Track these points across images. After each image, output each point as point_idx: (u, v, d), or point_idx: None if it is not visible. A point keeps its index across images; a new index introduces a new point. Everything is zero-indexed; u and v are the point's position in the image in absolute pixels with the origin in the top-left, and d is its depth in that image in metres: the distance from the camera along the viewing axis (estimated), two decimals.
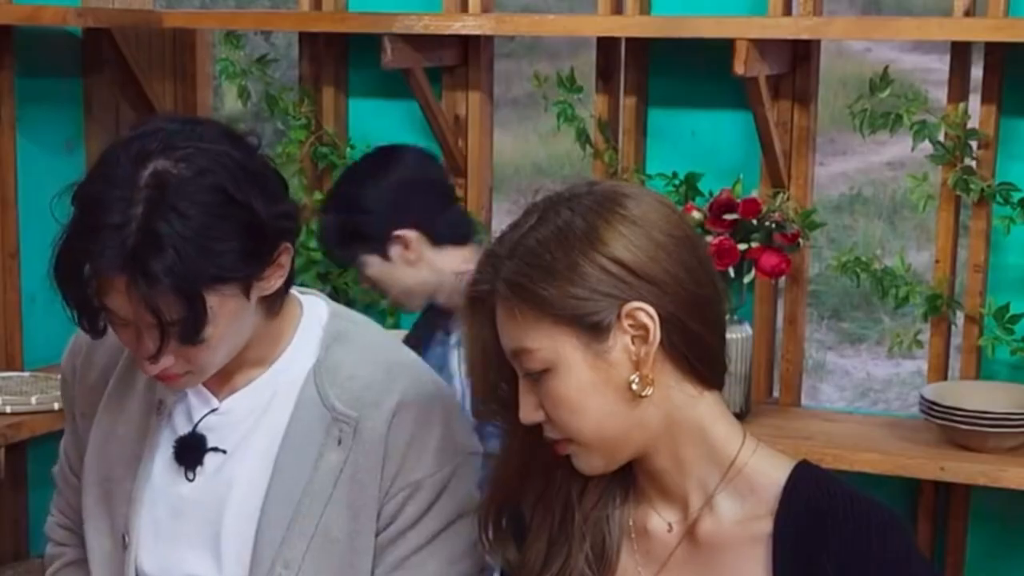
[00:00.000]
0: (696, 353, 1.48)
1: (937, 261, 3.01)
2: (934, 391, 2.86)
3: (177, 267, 1.57)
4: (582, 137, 3.20)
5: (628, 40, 3.18)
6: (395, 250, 2.70)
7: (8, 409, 3.05)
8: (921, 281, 3.00)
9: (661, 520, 1.55)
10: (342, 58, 3.47)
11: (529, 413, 1.51)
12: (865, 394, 7.16)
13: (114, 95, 3.54)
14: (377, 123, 3.46)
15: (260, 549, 1.74)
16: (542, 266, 1.45)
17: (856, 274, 2.99)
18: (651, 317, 1.44)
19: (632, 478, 1.56)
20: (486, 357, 1.54)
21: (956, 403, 2.78)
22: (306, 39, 3.48)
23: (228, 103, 7.26)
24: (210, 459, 1.78)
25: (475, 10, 3.26)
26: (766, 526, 1.48)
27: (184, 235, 1.58)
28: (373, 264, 2.73)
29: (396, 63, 3.10)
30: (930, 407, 2.80)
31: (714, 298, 1.50)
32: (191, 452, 1.79)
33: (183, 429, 1.79)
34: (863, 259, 3.00)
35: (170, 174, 1.60)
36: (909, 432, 2.91)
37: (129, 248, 1.57)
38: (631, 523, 1.57)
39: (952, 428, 2.77)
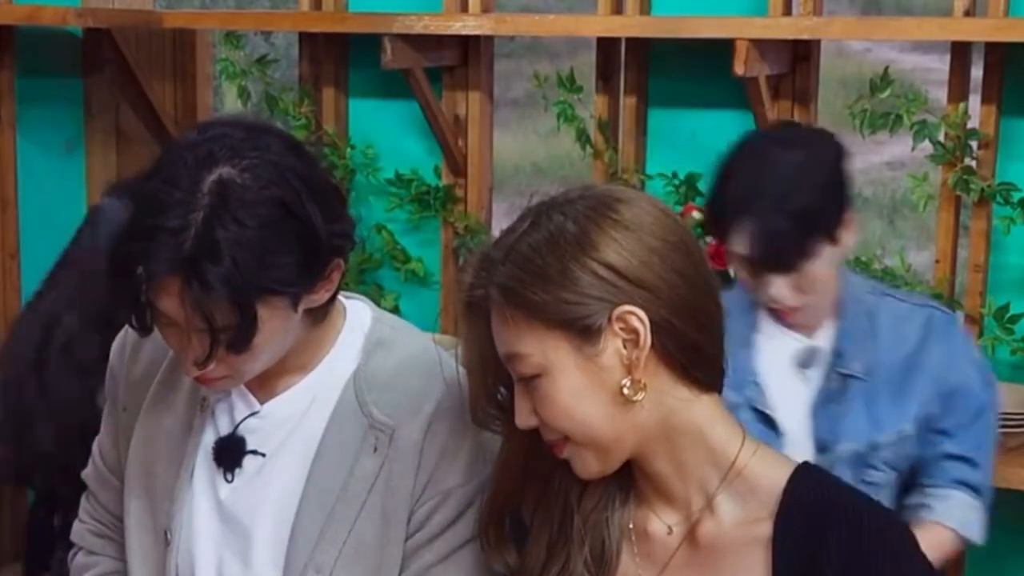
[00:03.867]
0: (690, 357, 1.47)
1: (937, 261, 3.01)
2: None
3: (234, 276, 1.57)
4: (582, 137, 3.20)
5: (628, 40, 3.18)
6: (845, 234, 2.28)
7: None
8: (921, 281, 3.00)
9: (661, 523, 1.55)
10: (342, 58, 3.47)
11: (524, 418, 1.51)
12: None
13: (114, 95, 3.54)
14: (377, 123, 3.47)
15: (293, 553, 1.75)
16: (534, 271, 1.45)
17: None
18: (642, 321, 1.44)
19: (632, 480, 1.56)
20: (484, 362, 1.54)
21: None
22: (306, 39, 3.48)
23: (228, 103, 7.25)
24: (249, 461, 1.79)
25: (475, 10, 3.26)
26: (766, 528, 1.47)
27: (242, 245, 1.57)
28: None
29: (396, 63, 3.11)
30: None
31: (709, 302, 1.49)
32: (230, 454, 1.79)
33: (225, 429, 1.80)
34: (863, 259, 3.00)
35: (234, 183, 1.59)
36: None
37: (186, 252, 1.57)
38: (631, 526, 1.57)
39: None
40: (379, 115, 3.47)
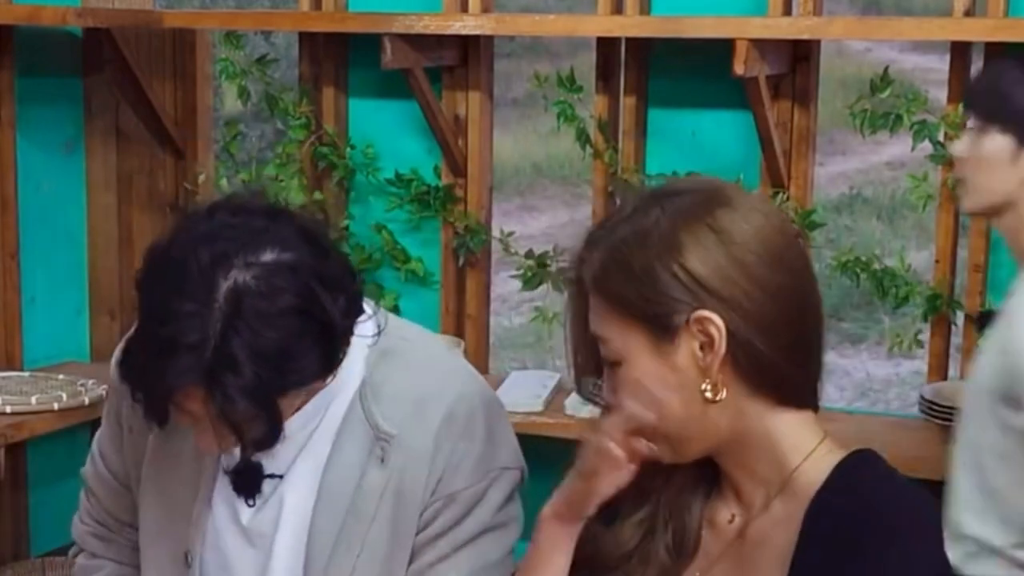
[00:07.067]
0: (762, 374, 1.47)
1: (937, 261, 3.01)
2: (934, 391, 2.86)
3: (255, 387, 1.57)
4: (582, 137, 3.20)
5: (628, 40, 3.18)
6: None
7: (8, 409, 3.05)
8: (921, 281, 3.00)
9: (725, 514, 1.55)
10: (342, 58, 3.47)
11: (607, 397, 1.53)
12: (865, 394, 7.16)
13: (114, 95, 3.54)
14: (377, 123, 3.47)
15: (310, 567, 1.77)
16: (620, 263, 1.47)
17: (856, 274, 2.99)
18: (718, 328, 1.44)
19: (715, 474, 1.56)
20: (585, 336, 1.55)
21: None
22: (306, 39, 3.48)
23: (228, 103, 7.26)
24: (266, 484, 1.80)
25: (475, 10, 3.26)
26: (796, 527, 1.47)
27: (261, 355, 1.57)
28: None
29: (396, 63, 3.10)
30: (930, 407, 2.80)
31: (796, 319, 1.47)
32: (249, 481, 1.79)
33: (238, 455, 1.80)
34: (863, 259, 3.00)
35: (248, 290, 1.57)
36: (909, 432, 2.91)
37: (206, 365, 1.56)
38: (704, 516, 1.57)
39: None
40: (379, 115, 3.47)
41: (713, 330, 1.44)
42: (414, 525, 1.75)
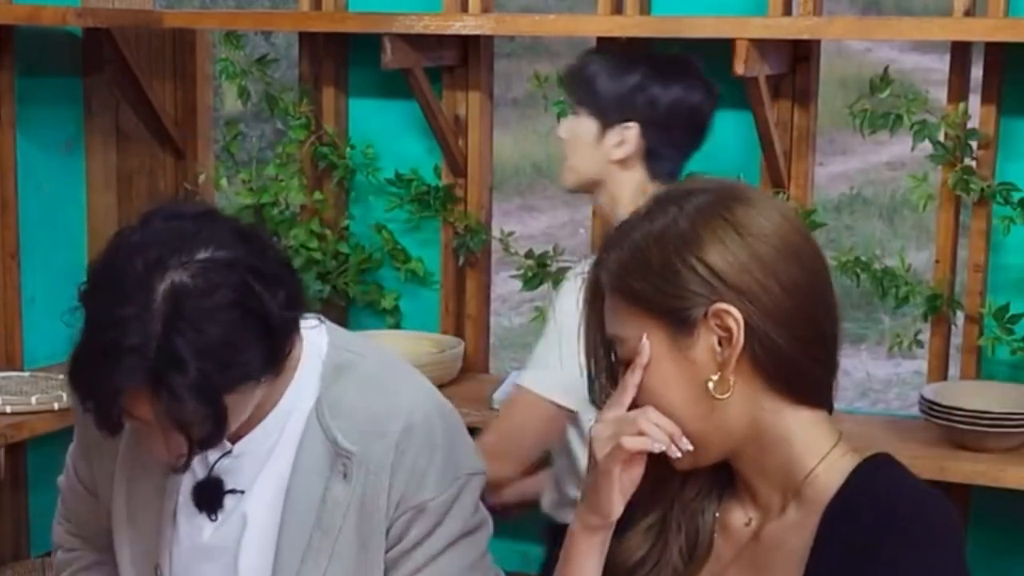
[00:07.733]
0: (777, 367, 1.47)
1: (937, 261, 3.01)
2: (934, 391, 2.86)
3: (201, 384, 1.59)
4: None
5: (628, 40, 3.18)
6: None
7: (8, 409, 3.05)
8: (921, 281, 3.00)
9: (741, 518, 1.55)
10: (342, 58, 3.47)
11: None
12: (865, 394, 7.16)
13: (114, 95, 3.54)
14: (377, 123, 3.47)
15: None
16: (639, 260, 1.48)
17: (856, 274, 2.99)
18: (736, 321, 1.44)
19: (728, 477, 1.56)
20: (601, 341, 1.55)
21: (956, 403, 2.78)
22: (306, 39, 3.48)
23: (228, 103, 7.26)
24: (227, 499, 1.80)
25: (475, 10, 3.26)
26: (812, 531, 1.47)
27: (205, 352, 1.58)
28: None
29: (396, 63, 3.11)
30: (930, 407, 2.80)
31: (812, 315, 1.48)
32: (210, 496, 1.80)
33: (200, 471, 1.81)
34: (863, 259, 3.00)
35: (186, 289, 1.59)
36: (909, 432, 2.91)
37: (151, 367, 1.58)
38: (718, 518, 1.57)
39: (952, 428, 2.77)
40: (379, 115, 3.47)
41: (731, 323, 1.44)
42: (382, 537, 1.76)
